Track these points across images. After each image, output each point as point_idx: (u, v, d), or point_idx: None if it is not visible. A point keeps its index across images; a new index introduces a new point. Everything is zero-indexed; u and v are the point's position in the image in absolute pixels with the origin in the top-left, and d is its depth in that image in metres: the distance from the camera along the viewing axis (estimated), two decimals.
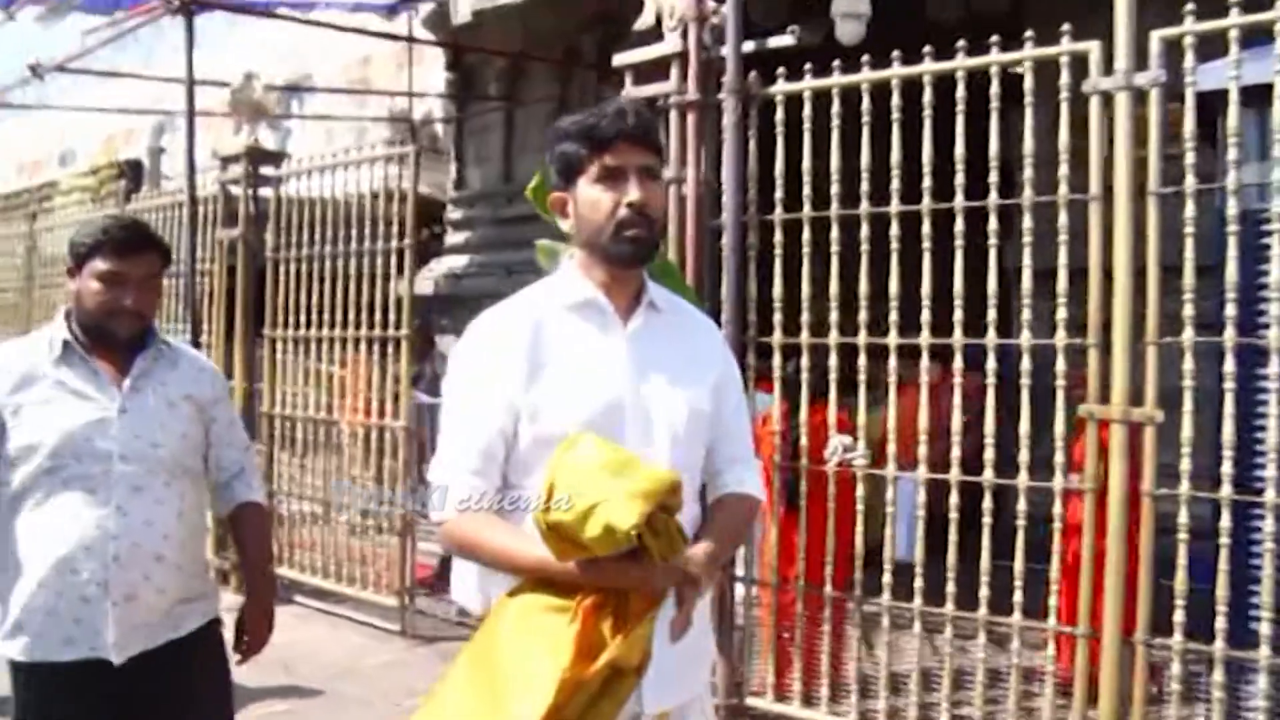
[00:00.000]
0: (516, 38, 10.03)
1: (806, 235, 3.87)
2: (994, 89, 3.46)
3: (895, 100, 3.66)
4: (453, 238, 10.83)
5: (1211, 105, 3.28)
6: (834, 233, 3.79)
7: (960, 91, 3.52)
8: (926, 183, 3.60)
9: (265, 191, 6.21)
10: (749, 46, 4.01)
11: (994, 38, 3.48)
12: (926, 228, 3.59)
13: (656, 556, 1.57)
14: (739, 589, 4.12)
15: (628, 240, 1.77)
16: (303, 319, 5.98)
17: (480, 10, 10.17)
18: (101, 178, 12.01)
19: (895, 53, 3.68)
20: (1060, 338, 3.34)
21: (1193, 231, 3.13)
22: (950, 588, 3.57)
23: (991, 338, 3.46)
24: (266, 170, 6.35)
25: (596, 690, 1.56)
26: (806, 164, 3.84)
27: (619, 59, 4.33)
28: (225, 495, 2.48)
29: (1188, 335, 3.11)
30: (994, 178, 3.47)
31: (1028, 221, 3.40)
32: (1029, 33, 3.43)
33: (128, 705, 2.22)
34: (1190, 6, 3.15)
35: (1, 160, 20.35)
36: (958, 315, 3.52)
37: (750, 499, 1.92)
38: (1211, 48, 3.17)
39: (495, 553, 1.72)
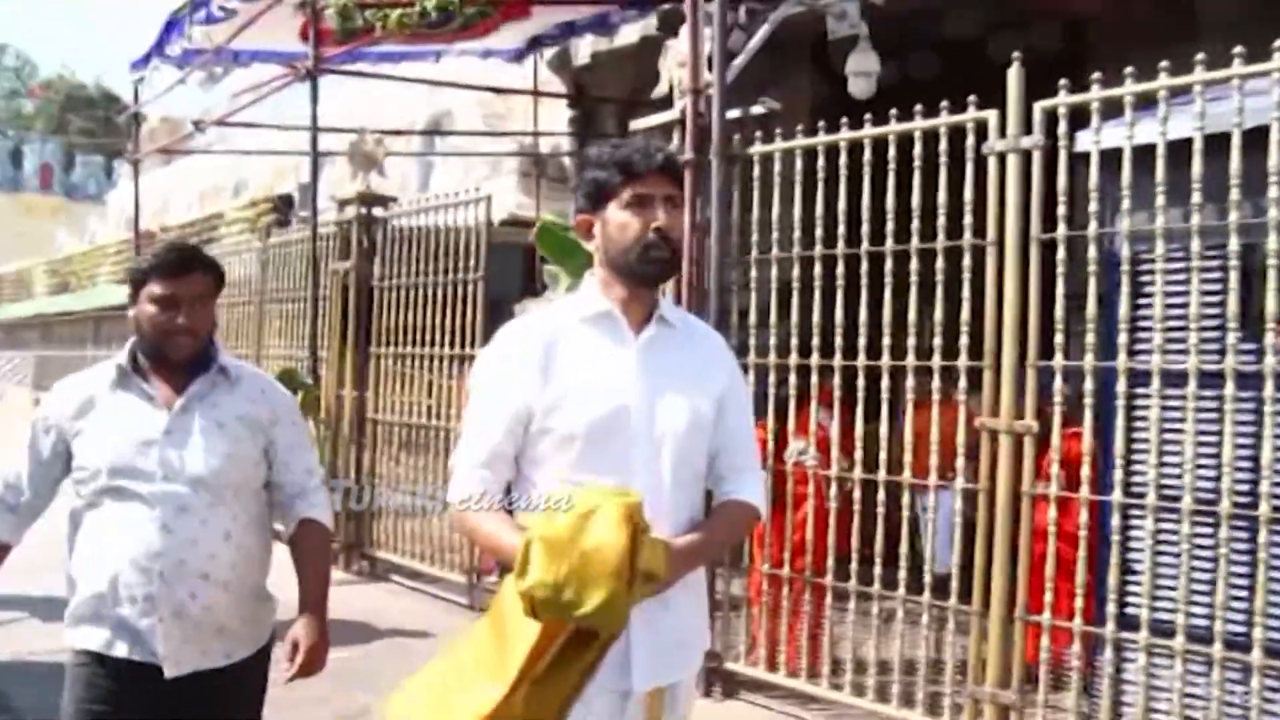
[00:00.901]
0: (629, 77, 10.93)
1: (774, 272, 4.62)
2: (916, 149, 4.14)
3: (842, 160, 4.38)
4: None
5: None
6: (795, 270, 4.54)
7: (891, 151, 4.22)
8: (864, 229, 4.30)
9: (403, 222, 7.32)
10: (734, 114, 4.80)
11: (917, 106, 4.17)
12: (864, 266, 4.30)
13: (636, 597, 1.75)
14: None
15: (653, 261, 1.95)
16: (402, 337, 7.07)
17: (597, 54, 11.27)
18: (259, 210, 13.67)
19: (844, 119, 4.40)
20: (962, 360, 3.99)
21: (1063, 272, 3.73)
22: (878, 569, 4.25)
23: (910, 360, 4.13)
24: (377, 211, 7.52)
25: (561, 653, 1.75)
26: (775, 212, 4.60)
27: (634, 124, 5.18)
28: (286, 516, 2.49)
29: (1057, 360, 3.72)
30: (915, 224, 4.15)
31: (940, 263, 4.06)
32: (944, 102, 4.10)
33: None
34: (1064, 82, 3.77)
35: (186, 189, 22.83)
36: (886, 341, 4.21)
37: (749, 507, 2.05)
38: (1112, 111, 3.75)
39: (488, 543, 1.95)
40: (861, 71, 5.80)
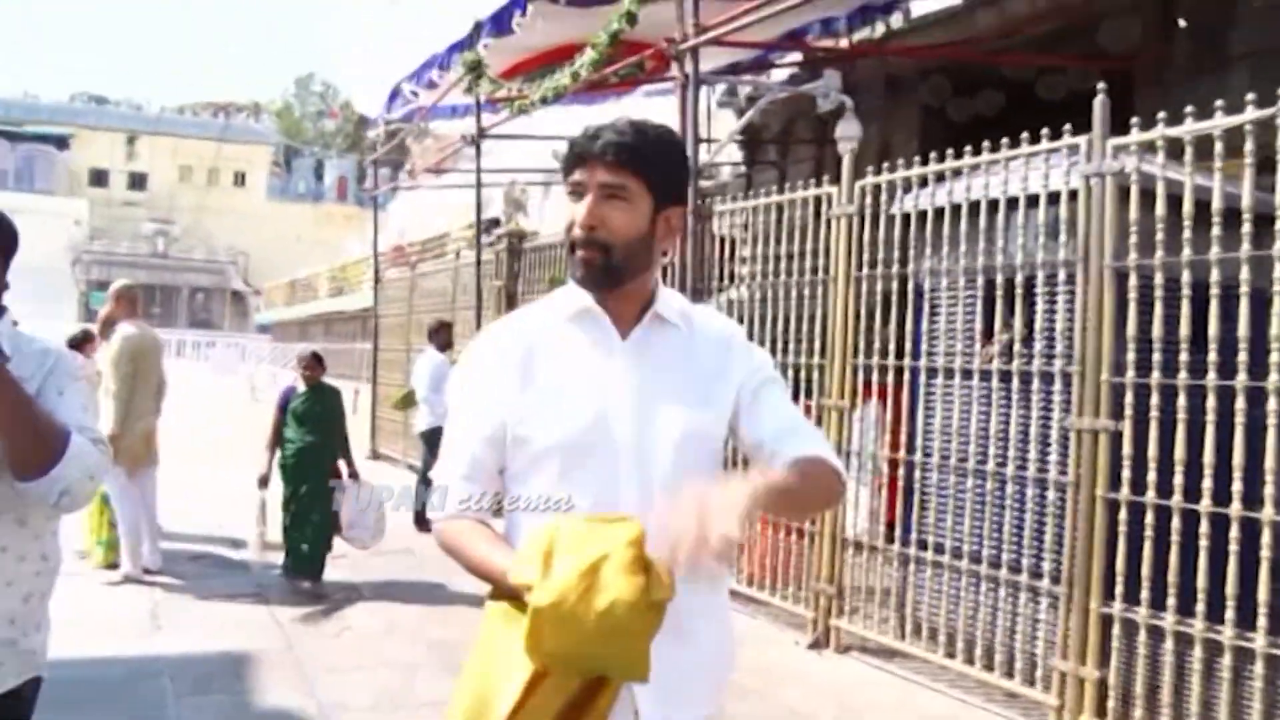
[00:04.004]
0: (786, 106, 12.79)
1: (729, 296, 6.72)
2: (797, 213, 6.12)
3: (760, 219, 6.42)
4: (739, 270, 14.18)
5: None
6: (734, 293, 6.62)
7: (787, 213, 6.22)
8: (766, 266, 6.33)
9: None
10: (706, 183, 6.93)
11: (767, 189, 6.16)
12: (771, 293, 6.33)
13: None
14: None
15: (577, 261, 1.79)
16: None
17: (752, 95, 13.40)
18: (473, 231, 16.75)
19: (769, 188, 6.44)
20: (806, 360, 5.96)
21: (879, 299, 5.62)
22: None
23: (791, 359, 6.13)
24: (525, 244, 10.21)
25: (575, 698, 1.61)
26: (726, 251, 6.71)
27: None
28: None
29: (863, 360, 5.63)
30: (786, 264, 6.14)
31: (806, 290, 6.04)
32: (814, 179, 6.07)
33: None
34: (871, 168, 5.66)
35: (445, 203, 26.92)
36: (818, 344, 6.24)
37: (825, 463, 1.83)
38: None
39: (470, 562, 1.78)
40: (846, 137, 7.69)
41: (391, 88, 12.47)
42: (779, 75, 12.18)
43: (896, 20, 10.86)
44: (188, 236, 58.88)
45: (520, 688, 1.60)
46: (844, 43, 11.04)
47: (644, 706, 1.75)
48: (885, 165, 5.61)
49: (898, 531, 5.73)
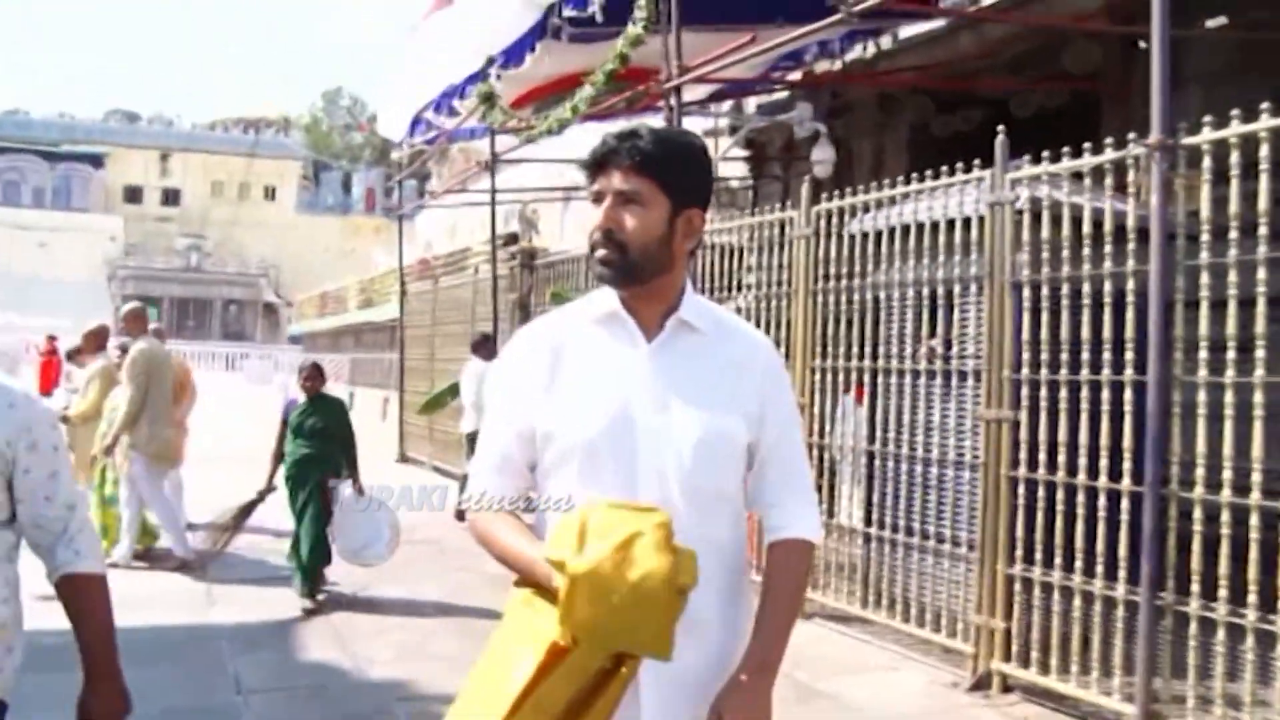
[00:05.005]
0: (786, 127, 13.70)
1: None
2: (750, 238, 7.03)
3: (750, 236, 7.33)
4: (747, 278, 15.09)
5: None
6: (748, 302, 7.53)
7: (751, 236, 7.13)
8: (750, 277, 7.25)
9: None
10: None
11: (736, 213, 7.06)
12: (746, 304, 7.25)
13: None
14: None
15: (597, 262, 1.90)
16: None
17: (761, 105, 14.30)
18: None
19: (746, 211, 7.36)
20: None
21: (834, 309, 6.51)
22: None
23: None
24: (537, 261, 11.18)
25: (589, 686, 1.70)
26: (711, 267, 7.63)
27: None
28: (48, 563, 2.15)
29: (816, 362, 6.53)
30: (759, 276, 7.05)
31: (779, 300, 6.94)
32: (780, 205, 6.97)
33: None
34: (825, 194, 6.56)
35: (471, 215, 28.03)
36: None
37: (797, 544, 1.97)
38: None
39: (499, 551, 1.90)
40: (820, 160, 8.58)
41: (413, 115, 13.50)
42: (780, 95, 13.12)
43: (886, 41, 11.76)
44: (220, 250, 60.68)
45: (534, 667, 1.67)
46: (837, 64, 11.95)
47: (646, 702, 1.82)
48: (837, 191, 6.50)
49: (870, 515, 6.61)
